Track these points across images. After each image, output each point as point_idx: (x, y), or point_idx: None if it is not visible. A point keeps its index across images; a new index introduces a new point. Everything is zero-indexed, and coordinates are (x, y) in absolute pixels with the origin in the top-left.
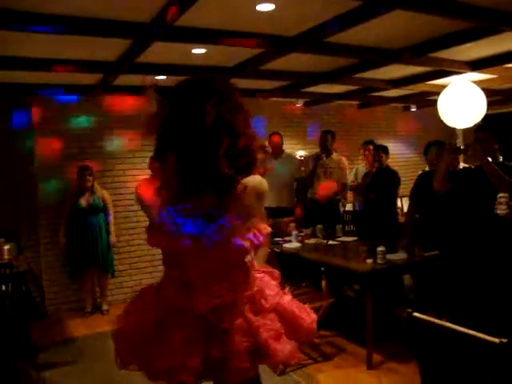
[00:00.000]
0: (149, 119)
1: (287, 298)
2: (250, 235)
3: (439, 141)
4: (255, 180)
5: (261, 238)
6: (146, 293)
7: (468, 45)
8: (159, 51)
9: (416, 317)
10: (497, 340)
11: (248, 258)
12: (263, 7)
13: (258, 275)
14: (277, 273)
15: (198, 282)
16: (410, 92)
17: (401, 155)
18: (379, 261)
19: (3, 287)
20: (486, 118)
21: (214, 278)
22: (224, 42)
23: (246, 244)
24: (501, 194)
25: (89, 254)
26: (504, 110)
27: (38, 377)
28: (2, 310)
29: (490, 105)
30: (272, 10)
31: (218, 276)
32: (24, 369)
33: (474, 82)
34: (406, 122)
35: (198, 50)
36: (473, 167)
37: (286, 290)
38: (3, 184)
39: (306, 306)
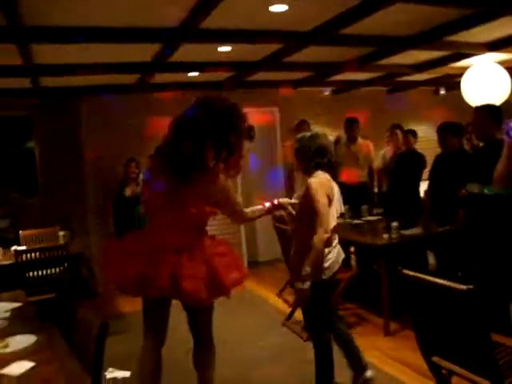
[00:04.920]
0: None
1: (226, 246)
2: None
3: (450, 123)
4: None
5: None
6: (129, 235)
7: (482, 27)
8: (188, 51)
9: (405, 273)
10: (465, 287)
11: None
12: (276, 8)
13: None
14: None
15: (165, 230)
16: (437, 75)
17: (429, 138)
18: (393, 235)
19: (59, 268)
20: None
21: (177, 228)
22: (244, 41)
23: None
24: None
25: None
26: None
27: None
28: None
29: None
30: (285, 11)
31: (180, 227)
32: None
33: (498, 62)
34: (434, 105)
35: (224, 48)
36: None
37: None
38: (57, 177)
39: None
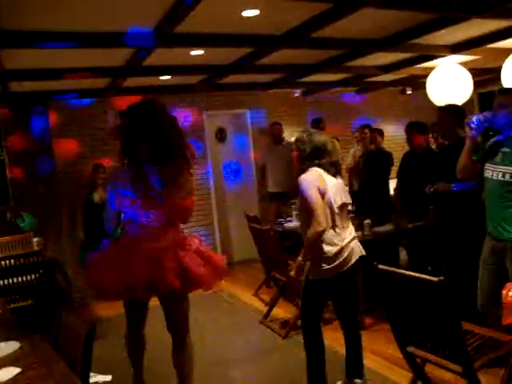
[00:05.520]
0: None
1: (205, 247)
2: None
3: (416, 122)
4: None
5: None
6: (108, 246)
7: (443, 31)
8: (161, 55)
9: (381, 268)
10: (436, 279)
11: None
12: (248, 13)
13: (186, 234)
14: (199, 237)
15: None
16: (403, 76)
17: (397, 137)
18: (366, 232)
19: (34, 275)
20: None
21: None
22: (217, 45)
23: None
24: None
25: None
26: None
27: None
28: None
29: (483, 84)
30: (257, 15)
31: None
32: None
33: (460, 64)
34: (401, 104)
35: (196, 52)
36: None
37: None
38: (29, 185)
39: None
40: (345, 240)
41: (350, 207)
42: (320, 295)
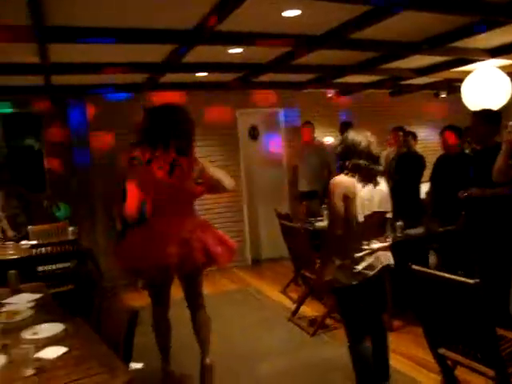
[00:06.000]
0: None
1: (218, 231)
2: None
3: (452, 126)
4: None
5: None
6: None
7: (483, 35)
8: (200, 52)
9: (415, 269)
10: (471, 281)
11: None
12: (289, 13)
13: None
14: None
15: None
16: (438, 79)
17: (428, 140)
18: (398, 234)
19: (69, 263)
20: None
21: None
22: (256, 44)
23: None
24: None
25: None
26: None
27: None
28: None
29: None
30: (298, 15)
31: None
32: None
33: (499, 67)
34: (435, 108)
35: (235, 50)
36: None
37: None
38: (65, 175)
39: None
40: (370, 247)
41: (388, 215)
42: (351, 302)
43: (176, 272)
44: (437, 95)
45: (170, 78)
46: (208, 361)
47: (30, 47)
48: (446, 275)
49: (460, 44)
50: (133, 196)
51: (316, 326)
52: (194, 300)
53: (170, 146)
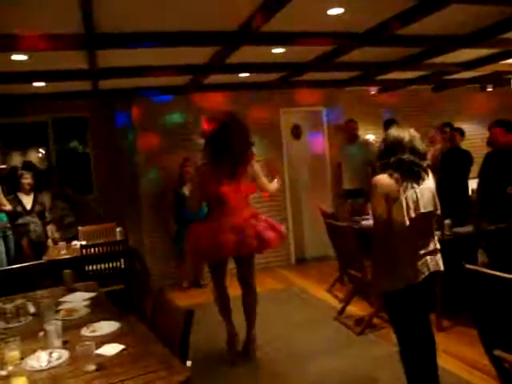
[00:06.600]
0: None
1: (270, 219)
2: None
3: (503, 120)
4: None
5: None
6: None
7: None
8: (243, 53)
9: (469, 268)
10: None
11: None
12: (334, 11)
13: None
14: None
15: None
16: (485, 73)
17: (474, 135)
18: (446, 232)
19: (117, 263)
20: None
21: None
22: (301, 43)
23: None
24: None
25: None
26: None
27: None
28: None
29: None
30: (341, 13)
31: (242, 202)
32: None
33: None
34: (481, 102)
35: (278, 50)
36: None
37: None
38: (111, 177)
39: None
40: (419, 252)
41: (438, 212)
42: (399, 307)
43: (232, 255)
44: (483, 89)
45: (213, 78)
46: (253, 332)
47: (79, 54)
48: (503, 275)
49: (509, 35)
50: (196, 193)
51: (363, 325)
52: (246, 279)
53: (233, 152)
